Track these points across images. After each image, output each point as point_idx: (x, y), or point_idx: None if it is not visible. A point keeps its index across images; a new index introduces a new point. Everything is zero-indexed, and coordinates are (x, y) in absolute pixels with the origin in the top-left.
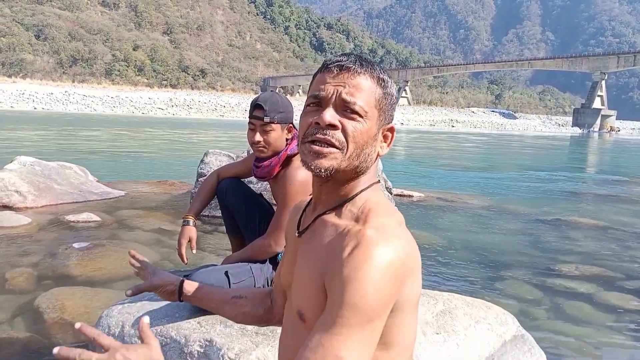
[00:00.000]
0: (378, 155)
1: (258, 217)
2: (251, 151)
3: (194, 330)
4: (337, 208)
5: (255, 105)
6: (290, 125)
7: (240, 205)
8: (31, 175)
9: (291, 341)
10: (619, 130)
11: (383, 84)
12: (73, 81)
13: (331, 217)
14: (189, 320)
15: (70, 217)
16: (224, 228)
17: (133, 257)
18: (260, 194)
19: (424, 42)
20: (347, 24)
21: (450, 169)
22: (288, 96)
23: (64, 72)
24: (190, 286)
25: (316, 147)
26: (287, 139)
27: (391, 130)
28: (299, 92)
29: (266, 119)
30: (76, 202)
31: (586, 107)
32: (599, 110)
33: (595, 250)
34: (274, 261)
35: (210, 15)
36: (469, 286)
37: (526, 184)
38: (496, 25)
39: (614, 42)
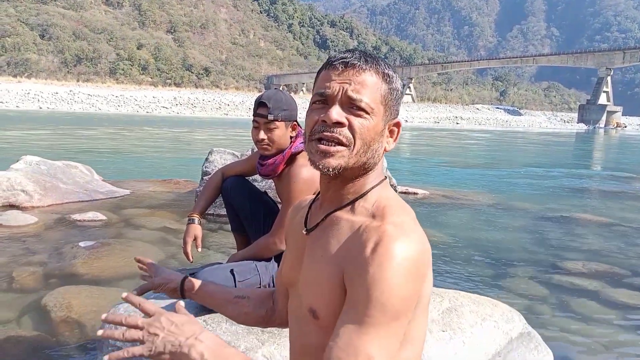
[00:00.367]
0: (385, 150)
1: (263, 215)
2: (255, 149)
3: None
4: (350, 205)
5: (259, 103)
6: (295, 122)
7: (244, 204)
8: (37, 175)
9: (300, 339)
10: (625, 127)
11: (388, 79)
12: (77, 80)
13: (344, 214)
14: (195, 318)
15: (76, 216)
16: (229, 226)
17: (139, 261)
18: (265, 192)
19: (428, 38)
20: (351, 21)
21: (455, 166)
22: (292, 94)
23: (68, 71)
24: (192, 283)
25: (323, 147)
26: (291, 137)
27: (397, 125)
28: (302, 90)
29: (270, 117)
30: (82, 201)
31: (592, 103)
32: (605, 106)
33: (602, 247)
34: (279, 259)
35: (213, 14)
36: (475, 284)
37: (531, 181)
38: (500, 21)
39: (620, 37)
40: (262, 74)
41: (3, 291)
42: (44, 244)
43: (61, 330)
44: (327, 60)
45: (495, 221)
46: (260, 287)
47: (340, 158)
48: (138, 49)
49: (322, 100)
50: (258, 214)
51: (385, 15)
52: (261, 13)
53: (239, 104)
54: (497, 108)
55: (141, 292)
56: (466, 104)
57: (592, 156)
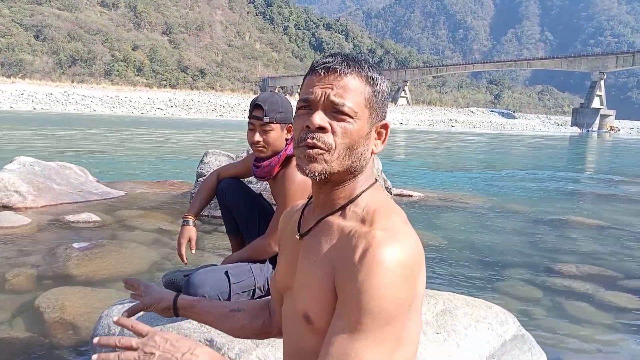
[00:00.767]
0: (373, 152)
1: (258, 217)
2: (251, 151)
3: (194, 330)
4: (341, 210)
5: (255, 105)
6: (290, 125)
7: (240, 205)
8: (31, 176)
9: (295, 343)
10: (618, 130)
11: (372, 82)
12: (72, 81)
13: (335, 219)
14: (190, 320)
15: (70, 217)
16: (223, 228)
17: (127, 282)
18: (260, 194)
19: (423, 42)
20: (346, 24)
21: (450, 168)
22: (287, 96)
23: (63, 72)
24: (185, 301)
25: (308, 152)
26: (286, 139)
27: (385, 127)
28: (298, 92)
29: (265, 119)
30: (76, 202)
31: (585, 106)
32: (598, 110)
33: (595, 250)
34: (274, 261)
35: (209, 16)
36: (469, 286)
37: (525, 184)
38: (495, 25)
39: (613, 41)
40: (258, 76)
41: None
42: (38, 245)
43: (54, 332)
44: (311, 65)
45: (489, 224)
46: (254, 289)
47: (324, 162)
48: (133, 50)
49: (306, 106)
50: (253, 216)
51: (381, 19)
52: (257, 15)
53: (234, 105)
54: (492, 111)
55: (132, 313)
56: (461, 107)
57: (586, 159)
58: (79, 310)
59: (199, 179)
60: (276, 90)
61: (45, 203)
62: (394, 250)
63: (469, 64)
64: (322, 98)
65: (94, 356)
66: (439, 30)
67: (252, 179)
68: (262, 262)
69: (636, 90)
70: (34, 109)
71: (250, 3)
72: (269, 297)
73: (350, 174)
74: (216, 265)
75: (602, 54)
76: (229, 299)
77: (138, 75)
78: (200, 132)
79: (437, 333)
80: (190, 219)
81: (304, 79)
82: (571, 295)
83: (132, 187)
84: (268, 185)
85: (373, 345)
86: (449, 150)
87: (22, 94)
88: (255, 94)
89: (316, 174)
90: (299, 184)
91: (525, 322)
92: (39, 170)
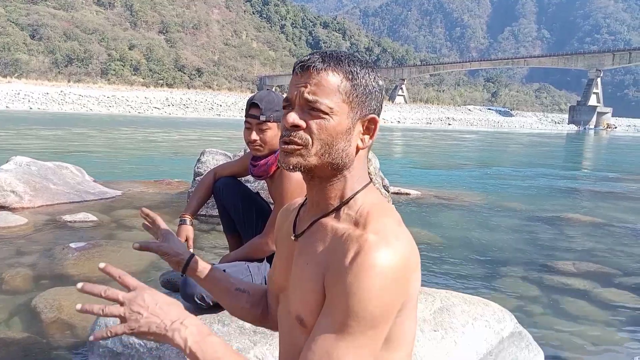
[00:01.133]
0: (359, 148)
1: (255, 216)
2: (248, 150)
3: None
4: (335, 211)
5: (251, 104)
6: None
7: (237, 204)
8: (27, 176)
9: (290, 344)
10: (615, 128)
11: (351, 76)
12: (69, 81)
13: (329, 221)
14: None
15: (67, 217)
16: (221, 227)
17: (147, 215)
18: (257, 193)
19: (420, 40)
20: (343, 22)
21: (447, 166)
22: (284, 95)
23: (59, 71)
24: (197, 264)
25: (284, 147)
26: None
27: (373, 121)
28: None
29: (262, 118)
30: (73, 202)
31: (582, 104)
32: (595, 107)
33: (592, 247)
34: (272, 260)
35: (206, 14)
36: (466, 283)
37: (522, 181)
38: (492, 23)
39: (609, 39)
40: (255, 75)
41: None
42: (34, 245)
43: (51, 332)
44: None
45: (486, 221)
46: None
47: (298, 156)
48: (130, 49)
49: (287, 105)
50: (250, 214)
51: (378, 17)
52: (254, 14)
53: (231, 104)
54: (489, 109)
55: (143, 248)
56: (458, 105)
57: (583, 157)
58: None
59: (196, 178)
60: (273, 89)
61: (42, 203)
62: (385, 255)
63: (466, 62)
64: (298, 96)
65: (79, 284)
66: (436, 29)
67: (250, 177)
68: (260, 261)
69: (633, 88)
70: (30, 108)
71: (247, 2)
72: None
73: (335, 169)
74: (214, 264)
75: (598, 52)
76: None
77: (135, 74)
78: (197, 131)
79: (435, 331)
80: (188, 218)
81: None
82: (568, 292)
83: (129, 186)
84: (265, 184)
85: (356, 347)
86: (446, 148)
87: (18, 93)
88: (252, 92)
89: (290, 166)
90: (297, 183)
91: (523, 320)
92: (36, 170)
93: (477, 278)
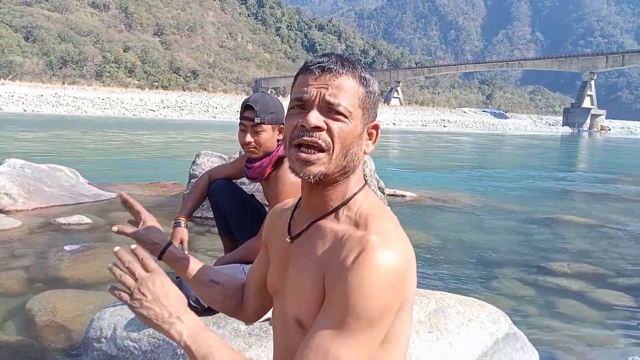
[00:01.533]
0: (364, 153)
1: (250, 218)
2: (243, 152)
3: None
4: (333, 213)
5: (246, 106)
6: (281, 126)
7: (232, 207)
8: (21, 178)
9: (286, 346)
10: (609, 130)
11: (365, 82)
12: (63, 83)
13: (328, 222)
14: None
15: (62, 220)
16: (216, 229)
17: (125, 201)
18: (252, 195)
19: (415, 42)
20: (339, 25)
21: (443, 168)
22: (280, 97)
23: (53, 74)
24: (171, 254)
25: (304, 155)
26: (278, 140)
27: (376, 127)
28: (290, 93)
29: (257, 120)
30: (67, 205)
31: (576, 106)
32: (589, 109)
33: (587, 248)
34: None
35: (201, 17)
36: (461, 285)
37: (517, 183)
38: (486, 25)
39: (603, 42)
40: (250, 77)
41: None
42: (29, 248)
43: (46, 335)
44: (304, 64)
45: (481, 223)
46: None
47: (321, 165)
48: (125, 51)
49: (300, 106)
50: (245, 217)
51: (373, 20)
52: (249, 16)
53: (226, 106)
54: (484, 111)
55: (120, 232)
56: (453, 107)
57: (577, 159)
58: (70, 313)
59: (191, 181)
60: (268, 91)
61: (36, 205)
62: (388, 256)
63: (460, 64)
64: (318, 98)
65: (116, 248)
66: (431, 31)
67: (245, 180)
68: None
69: (626, 90)
70: (25, 110)
71: (242, 4)
72: (244, 279)
73: (344, 174)
74: (209, 266)
75: (592, 55)
76: None
77: (130, 76)
78: (192, 133)
79: (430, 332)
80: (182, 221)
81: (295, 78)
82: (563, 293)
83: (124, 189)
84: (260, 186)
85: (353, 345)
86: (441, 150)
87: (12, 95)
88: (247, 94)
89: (312, 177)
90: (292, 185)
91: (518, 321)
92: (30, 173)
93: (472, 279)
